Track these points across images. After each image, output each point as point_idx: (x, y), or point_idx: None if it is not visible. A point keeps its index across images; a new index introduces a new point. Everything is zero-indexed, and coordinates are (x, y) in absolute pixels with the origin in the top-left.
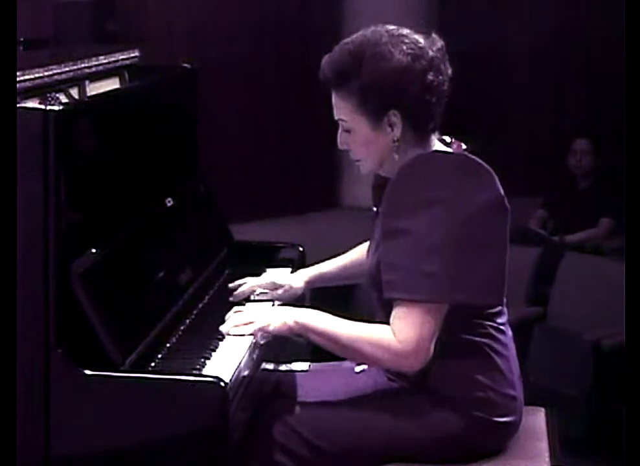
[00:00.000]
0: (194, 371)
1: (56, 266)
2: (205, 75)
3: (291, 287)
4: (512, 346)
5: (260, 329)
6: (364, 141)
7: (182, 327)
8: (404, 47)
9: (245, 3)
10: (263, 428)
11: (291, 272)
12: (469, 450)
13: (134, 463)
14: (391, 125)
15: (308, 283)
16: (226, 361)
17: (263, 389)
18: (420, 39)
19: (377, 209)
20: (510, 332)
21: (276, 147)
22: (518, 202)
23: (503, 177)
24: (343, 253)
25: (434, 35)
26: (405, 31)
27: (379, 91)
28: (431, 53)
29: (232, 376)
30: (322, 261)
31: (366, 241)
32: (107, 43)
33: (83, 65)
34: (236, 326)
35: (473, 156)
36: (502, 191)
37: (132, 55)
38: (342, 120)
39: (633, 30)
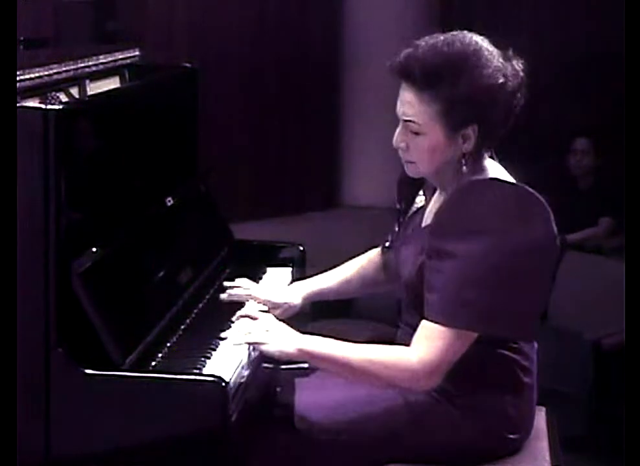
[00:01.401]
0: (195, 371)
1: (56, 265)
2: (205, 75)
3: (289, 306)
4: (535, 358)
5: (254, 344)
6: (432, 148)
7: (182, 327)
8: (499, 64)
9: (245, 3)
10: (264, 428)
11: (291, 272)
12: (472, 457)
13: (134, 462)
14: (465, 138)
15: (305, 298)
16: (226, 360)
17: (263, 388)
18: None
19: (401, 205)
20: (535, 344)
21: (276, 147)
22: None
23: None
24: (344, 253)
25: (510, 53)
26: (490, 45)
27: (469, 105)
28: (521, 73)
29: (233, 375)
30: (323, 260)
31: (367, 240)
32: (107, 42)
33: (83, 64)
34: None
35: (532, 190)
36: (555, 230)
37: (132, 54)
38: (414, 122)
39: (634, 31)
